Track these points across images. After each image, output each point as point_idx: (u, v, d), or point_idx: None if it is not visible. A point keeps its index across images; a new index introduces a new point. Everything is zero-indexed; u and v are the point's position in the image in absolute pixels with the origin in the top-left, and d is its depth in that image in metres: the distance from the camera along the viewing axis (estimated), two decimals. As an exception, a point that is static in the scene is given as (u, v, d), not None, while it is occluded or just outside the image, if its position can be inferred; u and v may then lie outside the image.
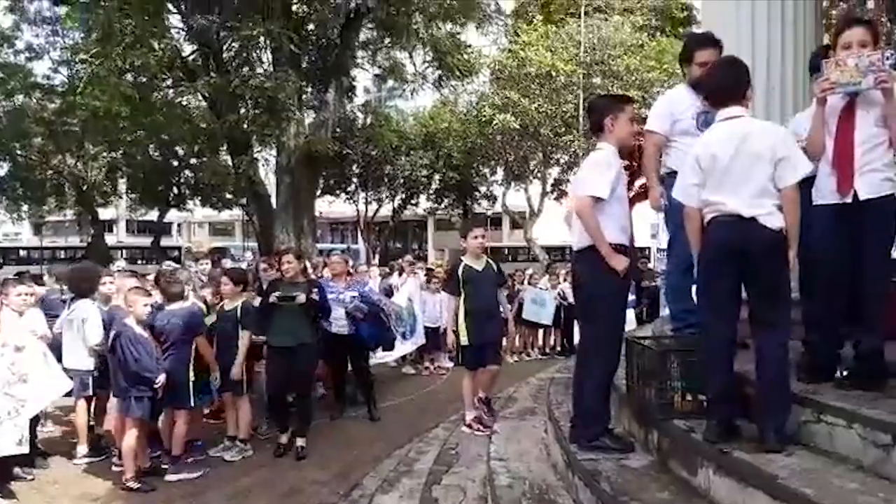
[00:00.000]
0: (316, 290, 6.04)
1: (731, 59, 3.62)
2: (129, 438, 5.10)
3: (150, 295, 5.46)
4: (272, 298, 5.89)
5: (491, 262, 6.19)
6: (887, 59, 3.21)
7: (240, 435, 5.91)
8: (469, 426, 6.06)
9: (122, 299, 5.49)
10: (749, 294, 3.19)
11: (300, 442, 5.88)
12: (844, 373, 3.38)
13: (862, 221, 3.31)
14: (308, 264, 8.21)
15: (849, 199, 3.34)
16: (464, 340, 5.96)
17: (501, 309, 6.33)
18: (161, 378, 5.11)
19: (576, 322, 5.98)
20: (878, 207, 3.30)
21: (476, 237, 6.11)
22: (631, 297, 11.23)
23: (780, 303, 3.11)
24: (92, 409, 5.97)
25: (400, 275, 10.90)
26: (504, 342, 6.45)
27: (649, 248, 30.89)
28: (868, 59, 3.20)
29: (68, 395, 5.63)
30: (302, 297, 5.82)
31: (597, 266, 3.66)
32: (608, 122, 3.80)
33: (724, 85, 3.32)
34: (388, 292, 9.20)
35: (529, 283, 12.19)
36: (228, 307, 5.97)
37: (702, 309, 3.43)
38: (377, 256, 29.49)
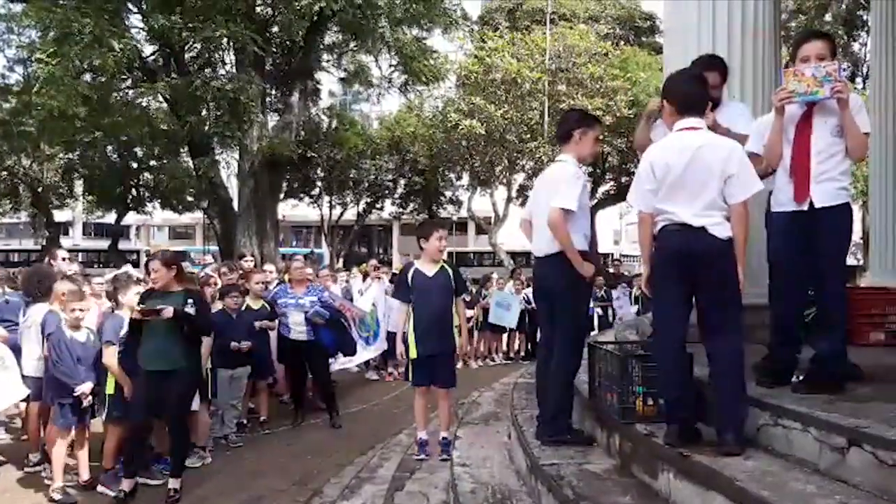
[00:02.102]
0: (191, 301, 4.93)
1: (700, 72, 3.68)
2: (59, 447, 4.95)
3: (84, 298, 5.29)
4: (133, 312, 4.98)
5: (447, 267, 5.55)
6: (843, 70, 3.29)
7: (198, 442, 5.76)
8: (419, 444, 5.51)
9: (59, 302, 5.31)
10: (699, 301, 3.23)
11: (173, 483, 4.87)
12: (800, 377, 3.44)
13: (817, 229, 3.38)
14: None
15: (805, 207, 3.40)
16: (412, 353, 5.42)
17: (457, 322, 5.61)
18: (82, 387, 4.92)
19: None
20: (832, 216, 3.38)
21: (440, 238, 5.47)
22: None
23: (729, 309, 3.15)
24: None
25: (364, 279, 10.82)
26: (467, 349, 6.13)
27: (612, 254, 31.26)
28: (825, 69, 3.27)
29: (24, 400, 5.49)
30: (169, 311, 4.77)
31: (565, 271, 3.86)
32: (577, 135, 3.99)
33: (690, 95, 3.35)
34: (349, 297, 9.12)
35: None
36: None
37: (654, 316, 3.49)
38: (341, 261, 29.29)
